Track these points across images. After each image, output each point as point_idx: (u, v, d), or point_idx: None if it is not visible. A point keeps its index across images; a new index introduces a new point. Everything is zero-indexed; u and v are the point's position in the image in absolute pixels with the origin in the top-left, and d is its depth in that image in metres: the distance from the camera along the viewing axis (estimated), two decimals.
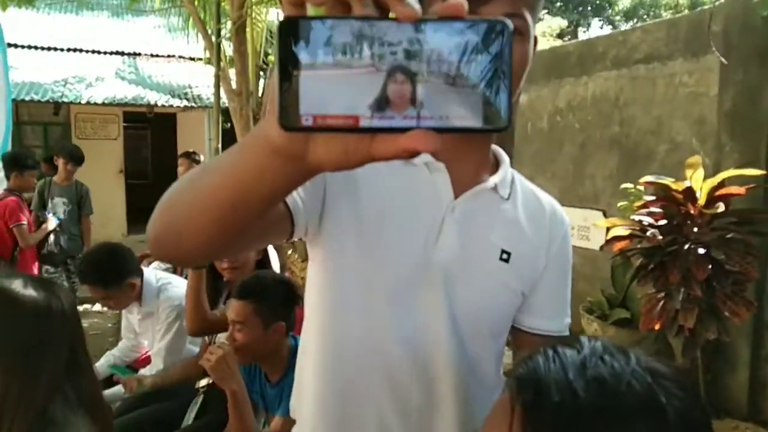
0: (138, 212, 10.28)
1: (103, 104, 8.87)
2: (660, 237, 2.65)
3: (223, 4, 6.01)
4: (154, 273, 2.61)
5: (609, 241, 2.89)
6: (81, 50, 10.54)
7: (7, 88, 5.60)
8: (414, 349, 0.87)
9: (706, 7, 3.33)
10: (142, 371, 2.56)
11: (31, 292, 1.07)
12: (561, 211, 1.00)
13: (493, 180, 0.91)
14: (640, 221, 2.74)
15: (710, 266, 2.49)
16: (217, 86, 6.05)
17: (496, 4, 0.76)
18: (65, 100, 8.67)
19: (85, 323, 2.94)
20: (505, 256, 0.89)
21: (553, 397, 0.47)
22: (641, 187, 2.99)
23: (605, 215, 3.82)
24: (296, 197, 0.76)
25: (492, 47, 0.37)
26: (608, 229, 3.04)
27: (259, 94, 6.82)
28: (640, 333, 3.08)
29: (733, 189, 2.54)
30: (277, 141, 0.42)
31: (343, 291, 0.88)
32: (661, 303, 2.66)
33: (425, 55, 0.37)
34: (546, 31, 19.43)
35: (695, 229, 2.62)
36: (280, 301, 1.86)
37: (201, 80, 9.53)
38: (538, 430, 0.48)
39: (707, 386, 2.91)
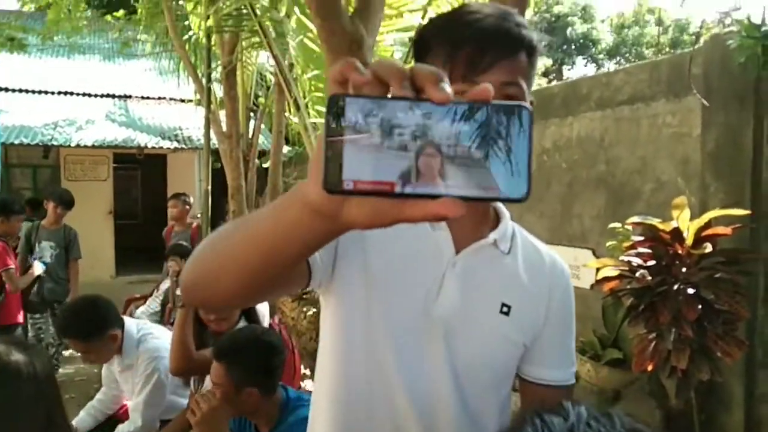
0: (127, 253, 10.28)
1: (93, 147, 8.89)
2: (649, 277, 2.66)
3: (213, 48, 6.10)
4: (135, 323, 2.57)
5: (599, 282, 2.89)
6: (72, 93, 10.64)
7: None
8: (418, 399, 0.91)
9: (686, 50, 3.42)
10: (120, 427, 2.50)
11: (3, 356, 1.07)
12: (561, 263, 1.03)
13: (493, 236, 0.95)
14: (629, 262, 2.75)
15: (700, 306, 2.49)
16: (207, 128, 6.10)
17: (493, 73, 0.82)
18: (55, 143, 8.71)
19: (70, 369, 2.90)
20: (505, 309, 0.93)
21: None
22: (629, 227, 3.01)
23: (594, 254, 3.84)
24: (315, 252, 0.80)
25: (514, 126, 0.42)
26: (598, 269, 3.04)
27: (249, 136, 6.87)
28: (633, 374, 3.05)
29: (720, 229, 2.56)
30: (316, 201, 0.46)
31: (350, 340, 0.93)
32: (653, 344, 2.65)
33: (455, 132, 0.42)
34: None
35: (684, 270, 2.63)
36: (253, 367, 1.78)
37: (191, 122, 9.60)
38: None
39: (702, 427, 2.88)
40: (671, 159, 3.43)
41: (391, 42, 4.45)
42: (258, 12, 4.31)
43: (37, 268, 4.49)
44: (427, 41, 0.89)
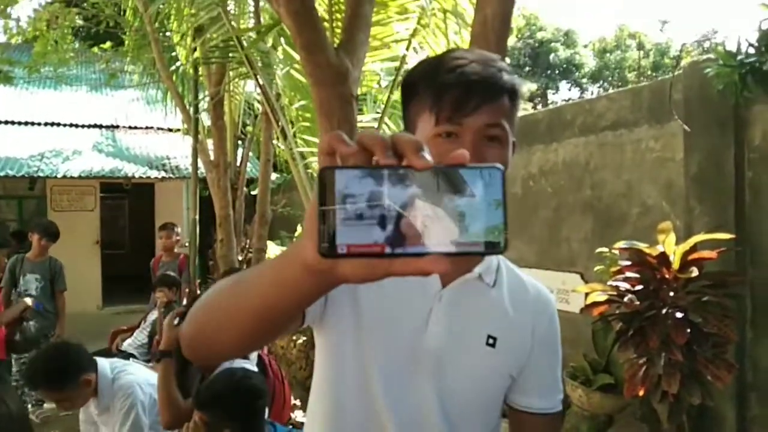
0: (114, 283, 10.17)
1: (80, 177, 8.85)
2: (637, 302, 2.67)
3: (200, 78, 6.13)
4: (108, 363, 2.52)
5: (588, 307, 2.89)
6: (59, 124, 10.61)
7: None
8: (410, 429, 0.93)
9: (667, 74, 3.49)
10: None
11: None
12: (546, 293, 1.07)
13: (478, 270, 0.98)
14: (617, 287, 2.76)
15: (689, 330, 2.50)
16: (194, 158, 6.10)
17: (478, 115, 0.86)
18: (41, 174, 8.66)
19: (54, 404, 2.78)
20: (491, 341, 0.95)
21: None
22: (616, 251, 3.03)
23: (583, 278, 3.85)
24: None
25: (489, 185, 0.46)
26: (587, 294, 3.05)
27: (237, 164, 6.87)
28: (625, 399, 3.04)
29: (705, 253, 2.59)
30: (310, 261, 0.49)
31: (342, 373, 0.96)
32: (644, 368, 2.64)
33: (436, 194, 0.46)
34: None
35: (671, 294, 2.65)
36: (237, 414, 1.77)
37: (179, 151, 9.59)
38: None
39: None
40: (655, 183, 3.48)
41: (377, 70, 4.49)
42: (245, 44, 4.35)
43: (28, 301, 4.43)
44: (415, 85, 0.93)
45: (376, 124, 4.08)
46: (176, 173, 9.52)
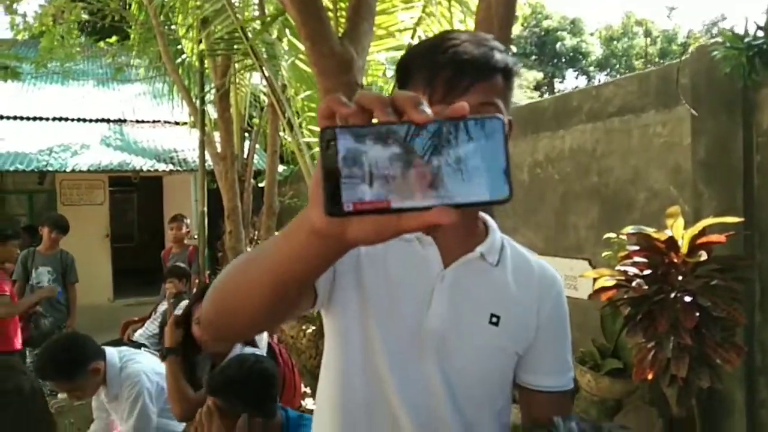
0: (124, 276, 10.25)
1: (89, 171, 8.90)
2: (646, 287, 2.67)
3: (206, 71, 6.14)
4: (117, 351, 2.55)
5: (596, 292, 2.89)
6: (67, 119, 10.66)
7: None
8: (416, 413, 0.94)
9: (674, 61, 3.47)
10: None
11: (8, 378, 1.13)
12: (552, 272, 1.06)
13: (480, 249, 0.99)
14: (625, 272, 2.76)
15: (698, 314, 2.50)
16: (202, 150, 6.12)
17: (471, 94, 0.86)
18: (50, 168, 8.71)
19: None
20: (494, 320, 0.95)
21: None
22: (624, 237, 3.02)
23: (591, 264, 3.85)
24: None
25: (490, 135, 0.46)
26: (595, 279, 3.05)
27: (245, 156, 6.89)
28: (634, 383, 3.05)
29: (714, 237, 2.58)
30: (320, 225, 0.50)
31: (349, 356, 0.97)
32: (652, 352, 2.65)
33: (438, 148, 0.46)
34: (523, 83, 20.00)
35: (680, 278, 2.64)
36: (251, 399, 1.77)
37: (186, 144, 9.63)
38: None
39: None
40: (663, 168, 3.47)
41: (382, 60, 4.49)
42: (250, 35, 4.35)
43: (53, 288, 4.51)
44: (408, 68, 0.94)
45: None
46: (184, 166, 9.55)
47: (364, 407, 0.96)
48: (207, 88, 6.29)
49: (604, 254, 3.28)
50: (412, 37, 3.83)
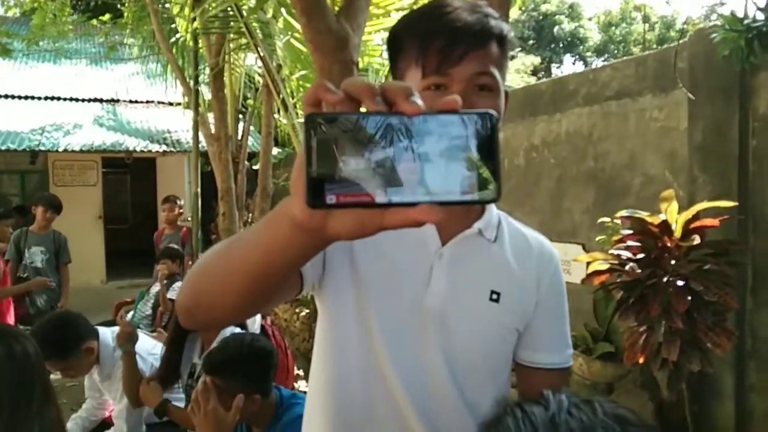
0: (117, 257, 10.22)
1: (81, 151, 8.84)
2: (639, 270, 2.67)
3: (200, 50, 6.07)
4: (110, 331, 2.55)
5: (589, 276, 2.90)
6: (59, 98, 10.56)
7: None
8: (415, 391, 0.92)
9: (672, 44, 3.45)
10: None
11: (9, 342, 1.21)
12: (549, 247, 1.04)
13: (477, 225, 0.96)
14: (619, 255, 2.76)
15: (689, 298, 2.51)
16: (195, 131, 6.07)
17: (466, 64, 0.83)
18: (42, 148, 8.64)
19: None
20: (495, 296, 0.94)
21: None
22: (618, 221, 3.02)
23: (585, 248, 3.85)
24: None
25: (482, 132, 0.44)
26: (588, 264, 3.06)
27: (239, 138, 6.85)
28: (625, 367, 3.07)
29: (708, 221, 2.58)
30: (299, 217, 0.48)
31: (344, 338, 0.95)
32: (644, 336, 2.66)
33: (428, 142, 0.44)
34: (520, 68, 19.91)
35: (673, 262, 2.65)
36: (251, 376, 1.78)
37: (180, 125, 9.56)
38: None
39: (694, 418, 2.90)
40: (659, 153, 3.46)
41: (379, 42, 4.44)
42: (244, 13, 4.30)
43: (48, 282, 4.51)
44: (400, 38, 0.90)
45: None
46: (178, 147, 9.49)
47: (361, 389, 0.94)
48: (201, 68, 6.22)
49: (598, 238, 3.28)
50: None
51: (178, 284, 4.17)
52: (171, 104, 10.23)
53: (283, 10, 4.21)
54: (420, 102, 0.44)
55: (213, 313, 0.71)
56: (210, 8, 4.54)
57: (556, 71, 23.49)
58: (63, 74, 11.17)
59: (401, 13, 3.80)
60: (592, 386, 3.40)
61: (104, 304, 6.07)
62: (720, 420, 3.05)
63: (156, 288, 4.47)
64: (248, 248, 0.61)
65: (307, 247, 0.55)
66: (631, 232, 2.81)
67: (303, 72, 3.90)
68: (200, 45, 6.02)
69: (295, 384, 3.90)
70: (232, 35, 5.22)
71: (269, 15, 4.63)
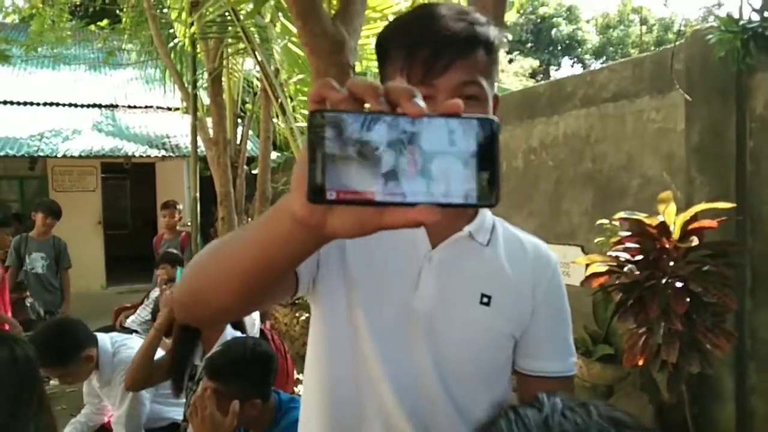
0: (117, 263, 10.21)
1: (80, 157, 8.84)
2: (637, 272, 2.67)
3: (198, 55, 6.08)
4: (108, 337, 2.54)
5: (588, 278, 2.90)
6: (58, 104, 10.57)
7: None
8: (405, 396, 0.91)
9: (669, 46, 3.45)
10: None
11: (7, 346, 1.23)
12: (547, 251, 1.01)
13: (468, 228, 0.95)
14: (617, 257, 2.76)
15: (688, 299, 2.50)
16: (194, 135, 6.08)
17: (451, 73, 0.82)
18: (41, 154, 8.64)
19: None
20: (485, 299, 0.91)
21: None
22: (616, 223, 3.02)
23: (584, 250, 3.85)
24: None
25: (482, 137, 0.45)
26: (587, 266, 3.05)
27: (237, 142, 6.85)
28: (625, 369, 3.06)
29: (706, 222, 2.58)
30: (299, 213, 0.48)
31: (336, 341, 0.94)
32: (643, 338, 2.65)
33: (429, 143, 0.44)
34: (518, 71, 19.95)
35: (671, 263, 2.64)
36: (254, 380, 1.79)
37: (179, 130, 9.57)
38: None
39: (694, 420, 2.89)
40: (656, 154, 3.46)
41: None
42: (242, 17, 4.30)
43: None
44: (386, 47, 0.89)
45: None
46: (176, 152, 9.49)
47: (351, 394, 0.94)
48: (199, 73, 6.22)
49: (596, 240, 3.28)
50: None
51: None
52: (170, 109, 10.24)
53: (280, 14, 4.22)
54: (423, 104, 0.45)
55: (210, 308, 0.71)
56: (207, 13, 4.55)
57: (555, 74, 23.51)
58: (62, 80, 11.18)
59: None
60: (592, 389, 3.39)
61: (104, 310, 6.07)
62: (721, 422, 3.04)
63: (156, 293, 4.47)
64: (247, 244, 0.61)
65: (306, 244, 0.55)
66: (629, 233, 2.81)
67: (300, 76, 3.91)
68: (198, 50, 6.03)
69: (294, 388, 3.89)
70: (229, 40, 5.23)
71: (267, 19, 4.64)
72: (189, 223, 6.41)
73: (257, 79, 6.68)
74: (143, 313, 4.52)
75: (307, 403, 1.02)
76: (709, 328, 2.54)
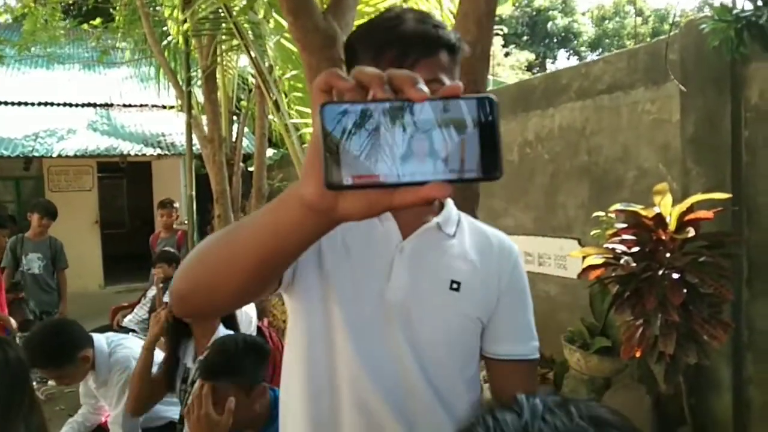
0: (115, 262, 10.20)
1: (75, 156, 8.82)
2: (633, 264, 2.67)
3: (192, 52, 6.05)
4: (104, 337, 2.53)
5: (585, 270, 2.89)
6: (52, 104, 10.52)
7: None
8: (383, 382, 0.96)
9: (663, 37, 3.44)
10: None
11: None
12: (509, 243, 1.08)
13: (436, 220, 1.02)
14: (614, 249, 2.76)
15: (685, 290, 2.50)
16: (188, 133, 6.05)
17: (416, 72, 0.85)
18: (36, 154, 8.61)
19: None
20: (455, 286, 0.98)
21: None
22: (612, 215, 3.02)
23: (580, 243, 3.85)
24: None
25: (483, 114, 0.48)
26: (584, 258, 3.05)
27: (233, 140, 6.82)
28: (622, 361, 3.07)
29: (702, 213, 2.58)
30: (313, 199, 0.51)
31: (312, 335, 0.98)
32: (640, 330, 2.65)
33: (433, 125, 0.47)
34: (515, 64, 19.91)
35: (668, 255, 2.64)
36: (245, 376, 1.78)
37: (174, 128, 9.54)
38: None
39: (692, 410, 2.90)
40: (652, 146, 3.45)
41: None
42: (234, 14, 4.28)
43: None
44: (354, 48, 0.96)
45: None
46: (172, 150, 9.46)
47: (328, 385, 0.97)
48: (193, 70, 6.19)
49: (593, 233, 3.27)
50: None
51: None
52: (165, 107, 10.21)
53: (274, 11, 4.19)
54: (425, 89, 0.47)
55: (212, 297, 0.72)
56: (200, 10, 4.52)
57: (551, 66, 23.47)
58: (56, 79, 11.13)
59: (392, 12, 3.78)
60: (590, 381, 3.40)
61: (102, 309, 6.05)
62: (718, 412, 3.04)
63: (153, 292, 4.46)
64: (255, 231, 0.63)
65: (316, 229, 0.57)
66: (625, 225, 2.80)
67: (294, 72, 3.89)
68: (192, 47, 6.00)
69: None
70: (223, 36, 5.20)
71: (260, 15, 4.61)
72: (186, 222, 6.40)
73: (252, 75, 6.66)
74: (140, 312, 4.51)
75: (287, 395, 1.06)
76: (705, 319, 2.54)
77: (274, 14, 4.16)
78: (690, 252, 2.64)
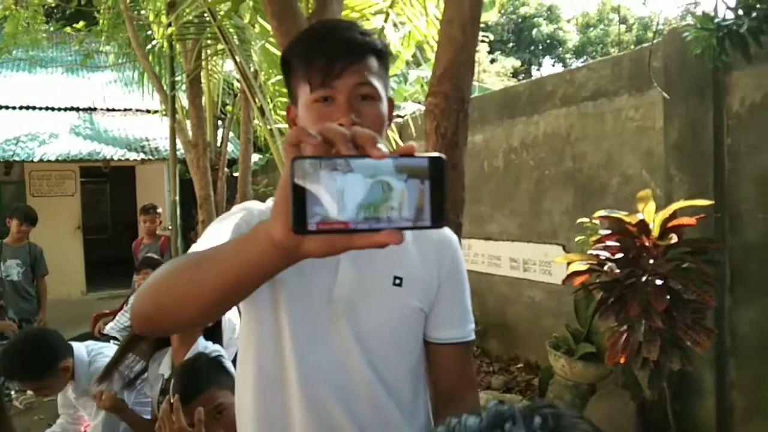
0: (98, 268, 10.05)
1: (57, 161, 8.70)
2: (617, 270, 2.68)
3: (177, 56, 6.00)
4: (84, 346, 2.48)
5: (569, 276, 2.90)
6: (34, 107, 10.38)
7: None
8: (333, 379, 1.00)
9: (646, 44, 3.47)
10: None
11: None
12: (449, 234, 1.14)
13: None
14: (598, 255, 2.77)
15: (669, 297, 2.52)
16: (172, 138, 6.00)
17: (346, 77, 0.94)
18: (17, 158, 8.48)
19: None
20: (397, 281, 1.04)
21: None
22: (597, 221, 3.03)
23: (565, 249, 3.86)
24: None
25: (433, 170, 0.54)
26: (568, 264, 3.06)
27: (218, 145, 6.78)
28: (607, 367, 3.07)
29: (684, 220, 2.59)
30: (278, 238, 0.59)
31: (261, 338, 1.03)
32: (624, 336, 2.66)
33: (390, 179, 0.53)
34: (500, 71, 20.04)
35: (651, 261, 2.65)
36: (218, 387, 1.78)
37: (158, 132, 9.44)
38: None
39: (676, 416, 2.91)
40: (636, 152, 3.47)
41: None
42: (219, 18, 4.25)
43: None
44: (289, 61, 1.01)
45: None
46: (156, 155, 9.37)
47: (278, 384, 1.01)
48: (178, 75, 6.14)
49: (577, 239, 3.28)
50: (385, 21, 3.76)
51: None
52: (149, 112, 10.11)
53: (258, 15, 4.17)
54: (384, 148, 0.54)
55: (177, 320, 0.80)
56: (185, 13, 4.49)
57: (536, 73, 23.66)
58: (38, 83, 10.98)
59: (379, 17, 3.78)
60: (575, 387, 3.40)
61: (84, 316, 5.94)
62: (701, 417, 3.06)
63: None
64: (219, 265, 0.70)
65: (280, 263, 0.65)
66: (609, 232, 2.81)
67: (279, 77, 3.87)
68: (176, 51, 5.95)
69: None
70: (208, 41, 5.16)
71: (246, 20, 4.58)
72: (170, 227, 6.33)
73: (237, 80, 6.62)
74: (122, 319, 4.43)
75: (240, 394, 1.09)
76: (689, 326, 2.56)
77: (258, 19, 4.14)
78: (673, 258, 2.66)
